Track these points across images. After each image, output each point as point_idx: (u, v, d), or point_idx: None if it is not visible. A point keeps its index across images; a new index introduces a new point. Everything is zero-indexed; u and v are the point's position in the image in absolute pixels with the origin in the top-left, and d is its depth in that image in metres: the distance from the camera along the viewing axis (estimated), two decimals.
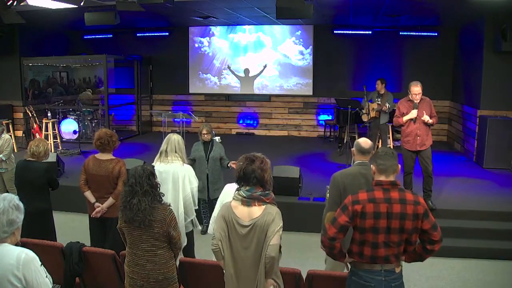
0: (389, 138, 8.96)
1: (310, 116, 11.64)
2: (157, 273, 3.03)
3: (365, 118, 8.45)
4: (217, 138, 6.23)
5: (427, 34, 10.44)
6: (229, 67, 11.79)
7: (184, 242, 4.20)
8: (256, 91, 11.72)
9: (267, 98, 11.79)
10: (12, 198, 2.18)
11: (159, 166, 4.17)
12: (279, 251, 2.79)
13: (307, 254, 5.28)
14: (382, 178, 2.71)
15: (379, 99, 8.22)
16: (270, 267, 2.72)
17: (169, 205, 3.14)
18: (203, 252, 4.54)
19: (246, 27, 11.48)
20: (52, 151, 8.59)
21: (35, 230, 4.25)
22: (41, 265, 2.17)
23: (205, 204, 5.86)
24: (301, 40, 11.29)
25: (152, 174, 3.09)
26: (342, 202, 3.06)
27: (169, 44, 12.04)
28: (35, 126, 9.53)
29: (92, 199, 4.39)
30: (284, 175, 6.28)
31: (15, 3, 6.13)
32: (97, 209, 4.35)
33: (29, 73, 10.92)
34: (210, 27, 11.66)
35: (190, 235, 4.45)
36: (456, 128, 10.09)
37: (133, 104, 11.96)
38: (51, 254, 3.70)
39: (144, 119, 12.35)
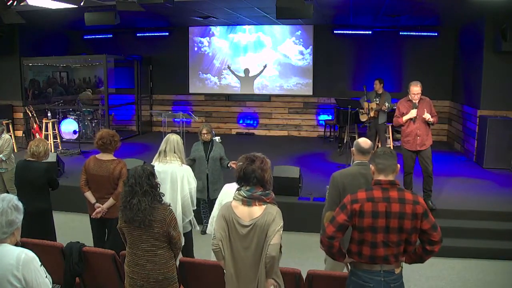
0: (389, 138, 8.97)
1: (310, 116, 11.64)
2: (157, 273, 3.03)
3: (364, 117, 8.46)
4: (217, 138, 6.23)
5: (427, 34, 10.43)
6: (229, 67, 11.79)
7: (182, 242, 4.20)
8: (256, 91, 11.72)
9: (267, 98, 11.79)
10: (11, 199, 2.18)
11: (158, 166, 4.16)
12: (280, 251, 2.79)
13: (307, 254, 5.28)
14: (381, 177, 2.71)
15: (377, 99, 8.24)
16: (271, 266, 2.72)
17: (169, 205, 3.14)
18: (203, 252, 4.54)
19: (246, 27, 11.49)
20: (52, 151, 8.59)
21: (35, 230, 4.25)
22: (40, 265, 2.17)
23: (205, 204, 5.86)
24: (301, 40, 11.29)
25: (152, 174, 3.08)
26: (341, 202, 3.06)
27: (169, 44, 12.04)
28: (35, 126, 9.54)
29: (92, 199, 4.39)
30: (284, 175, 6.28)
31: (15, 3, 6.13)
32: (97, 210, 4.34)
33: (29, 73, 10.92)
34: (210, 27, 11.67)
35: (188, 235, 4.44)
36: (456, 128, 10.09)
37: (133, 104, 11.96)
38: (51, 254, 3.70)
39: (144, 119, 12.35)
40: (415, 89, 5.60)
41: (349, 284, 2.79)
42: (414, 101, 5.64)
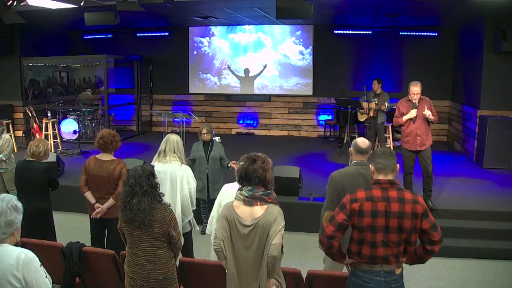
0: (388, 138, 8.97)
1: (310, 116, 11.64)
2: (157, 273, 3.03)
3: (364, 117, 8.45)
4: (217, 138, 6.23)
5: (427, 34, 10.43)
6: (229, 67, 11.79)
7: (182, 242, 4.19)
8: (256, 91, 11.72)
9: (267, 98, 11.79)
10: (11, 199, 2.17)
11: (157, 166, 4.16)
12: (281, 251, 2.79)
13: (307, 254, 5.28)
14: (381, 177, 2.71)
15: (375, 99, 8.25)
16: (272, 266, 2.72)
17: (169, 205, 3.14)
18: (203, 252, 4.53)
19: (246, 27, 11.48)
20: (52, 151, 8.59)
21: (35, 230, 4.25)
22: (40, 265, 2.17)
23: (205, 204, 5.86)
24: (301, 40, 11.29)
25: (151, 174, 3.08)
26: (340, 202, 3.05)
27: (169, 44, 12.04)
28: (35, 126, 9.54)
29: (92, 199, 4.39)
30: (284, 175, 6.28)
31: (15, 3, 6.13)
32: (97, 210, 4.34)
33: (29, 73, 10.92)
34: (210, 27, 11.67)
35: (188, 235, 4.44)
36: (456, 128, 10.08)
37: (133, 104, 11.96)
38: (51, 254, 3.70)
39: (144, 119, 12.35)
40: (415, 89, 5.60)
41: (349, 285, 2.79)
42: (414, 101, 5.64)
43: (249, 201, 2.74)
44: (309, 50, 11.26)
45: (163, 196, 3.17)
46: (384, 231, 2.60)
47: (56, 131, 9.76)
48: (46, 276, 2.19)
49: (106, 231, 4.55)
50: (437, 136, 10.23)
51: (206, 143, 5.72)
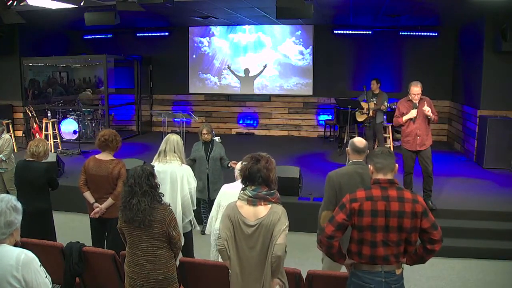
0: (388, 138, 8.97)
1: (310, 116, 11.64)
2: (157, 273, 3.03)
3: (363, 117, 8.44)
4: (217, 138, 6.23)
5: (427, 34, 10.43)
6: (229, 67, 11.79)
7: (182, 242, 4.19)
8: (256, 91, 11.72)
9: (267, 98, 11.79)
10: (10, 199, 2.16)
11: (158, 166, 4.16)
12: (285, 250, 2.79)
13: (307, 254, 5.28)
14: (380, 176, 2.71)
15: (374, 99, 8.26)
16: (277, 266, 2.73)
17: (169, 205, 3.14)
18: (203, 252, 4.53)
19: (246, 27, 11.48)
20: (52, 151, 8.59)
21: (35, 230, 4.25)
22: (40, 265, 2.16)
23: (205, 204, 5.86)
24: (301, 40, 11.29)
25: (151, 174, 3.08)
26: (338, 201, 3.05)
27: (169, 44, 12.04)
28: (35, 126, 9.54)
29: (91, 199, 4.39)
30: (284, 175, 6.27)
31: (15, 3, 6.13)
32: (95, 210, 4.34)
33: (29, 73, 10.92)
34: (210, 27, 11.66)
35: (189, 235, 4.44)
36: (456, 128, 10.08)
37: (133, 104, 11.96)
38: (51, 254, 3.70)
39: (144, 119, 12.35)
40: (415, 89, 5.60)
41: (350, 285, 2.79)
42: (414, 101, 5.64)
43: (253, 201, 2.74)
44: (309, 50, 11.26)
45: (163, 196, 3.17)
46: (384, 230, 2.60)
47: (56, 131, 9.76)
48: (46, 276, 2.19)
49: (105, 231, 4.55)
50: (437, 136, 10.23)
51: (206, 143, 5.73)
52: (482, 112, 8.32)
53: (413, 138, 5.69)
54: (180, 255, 3.66)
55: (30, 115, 9.59)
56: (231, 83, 11.84)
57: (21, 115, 10.67)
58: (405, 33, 10.56)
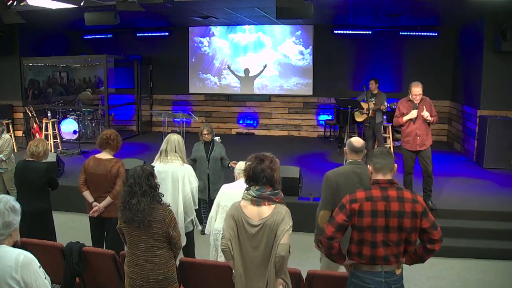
0: (388, 138, 8.96)
1: (310, 116, 11.64)
2: (157, 273, 3.03)
3: (362, 117, 8.44)
4: (217, 138, 6.24)
5: (427, 34, 10.43)
6: (229, 67, 11.79)
7: (183, 242, 4.20)
8: (256, 91, 11.72)
9: (267, 98, 11.79)
10: (8, 200, 2.15)
11: (159, 166, 4.17)
12: (288, 251, 2.78)
13: (307, 254, 5.28)
14: (379, 176, 2.71)
15: (373, 99, 8.26)
16: (280, 266, 2.72)
17: (169, 205, 3.14)
18: (203, 252, 4.53)
19: (246, 27, 11.48)
20: (52, 151, 8.59)
21: (35, 230, 4.25)
22: (39, 266, 2.15)
23: (206, 204, 5.86)
24: (301, 40, 11.28)
25: (151, 174, 3.08)
26: (335, 201, 3.04)
27: (169, 44, 12.04)
28: (35, 126, 9.54)
29: (90, 198, 4.39)
30: (284, 175, 6.22)
31: (15, 3, 6.12)
32: (94, 208, 4.35)
33: (29, 73, 10.92)
34: (210, 27, 11.66)
35: (190, 235, 4.45)
36: (456, 128, 10.08)
37: (133, 104, 11.96)
38: (51, 254, 3.70)
39: (144, 119, 12.35)
40: (416, 89, 5.59)
41: (350, 285, 2.79)
42: (415, 101, 5.63)
43: (257, 201, 2.74)
44: (309, 50, 11.26)
45: (163, 196, 3.16)
46: (384, 230, 2.60)
47: (56, 131, 9.76)
48: (46, 277, 2.18)
49: (105, 230, 4.55)
50: (437, 136, 10.23)
51: (207, 143, 5.73)
52: (482, 112, 8.32)
53: (413, 138, 5.69)
54: (180, 255, 3.66)
55: (30, 115, 9.59)
56: (231, 83, 11.84)
57: (21, 115, 10.67)
58: (405, 33, 10.56)
